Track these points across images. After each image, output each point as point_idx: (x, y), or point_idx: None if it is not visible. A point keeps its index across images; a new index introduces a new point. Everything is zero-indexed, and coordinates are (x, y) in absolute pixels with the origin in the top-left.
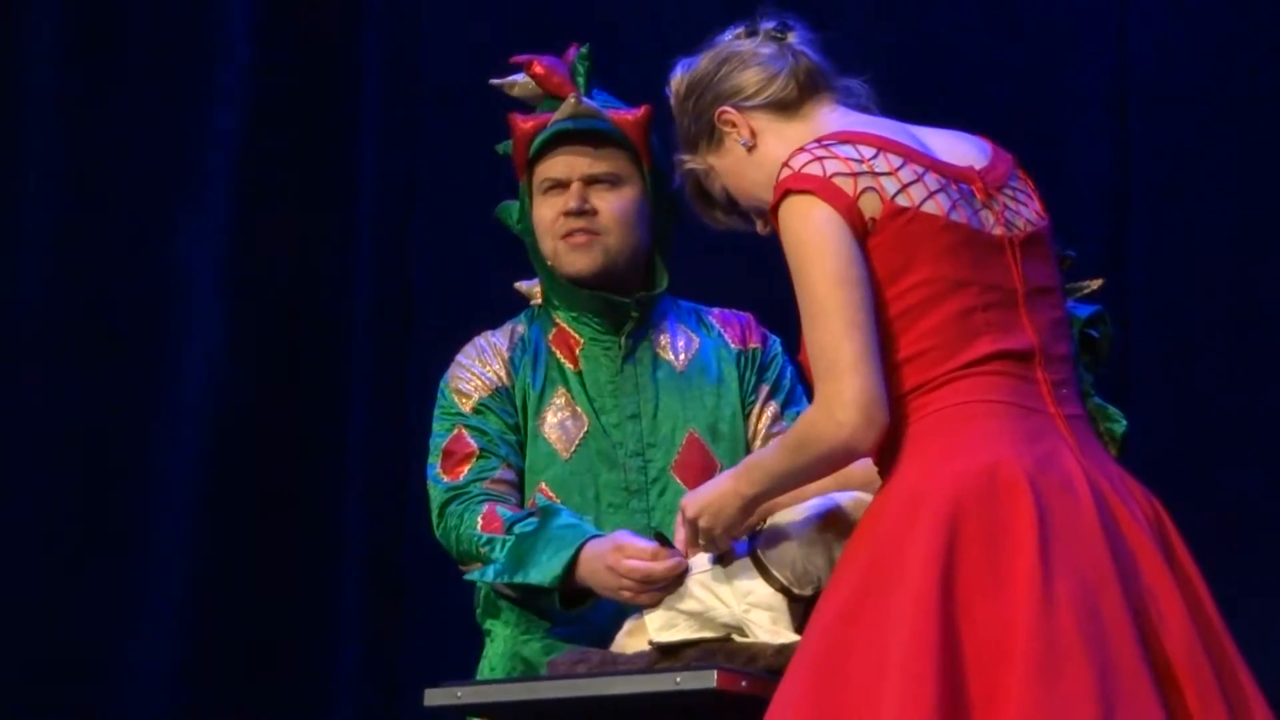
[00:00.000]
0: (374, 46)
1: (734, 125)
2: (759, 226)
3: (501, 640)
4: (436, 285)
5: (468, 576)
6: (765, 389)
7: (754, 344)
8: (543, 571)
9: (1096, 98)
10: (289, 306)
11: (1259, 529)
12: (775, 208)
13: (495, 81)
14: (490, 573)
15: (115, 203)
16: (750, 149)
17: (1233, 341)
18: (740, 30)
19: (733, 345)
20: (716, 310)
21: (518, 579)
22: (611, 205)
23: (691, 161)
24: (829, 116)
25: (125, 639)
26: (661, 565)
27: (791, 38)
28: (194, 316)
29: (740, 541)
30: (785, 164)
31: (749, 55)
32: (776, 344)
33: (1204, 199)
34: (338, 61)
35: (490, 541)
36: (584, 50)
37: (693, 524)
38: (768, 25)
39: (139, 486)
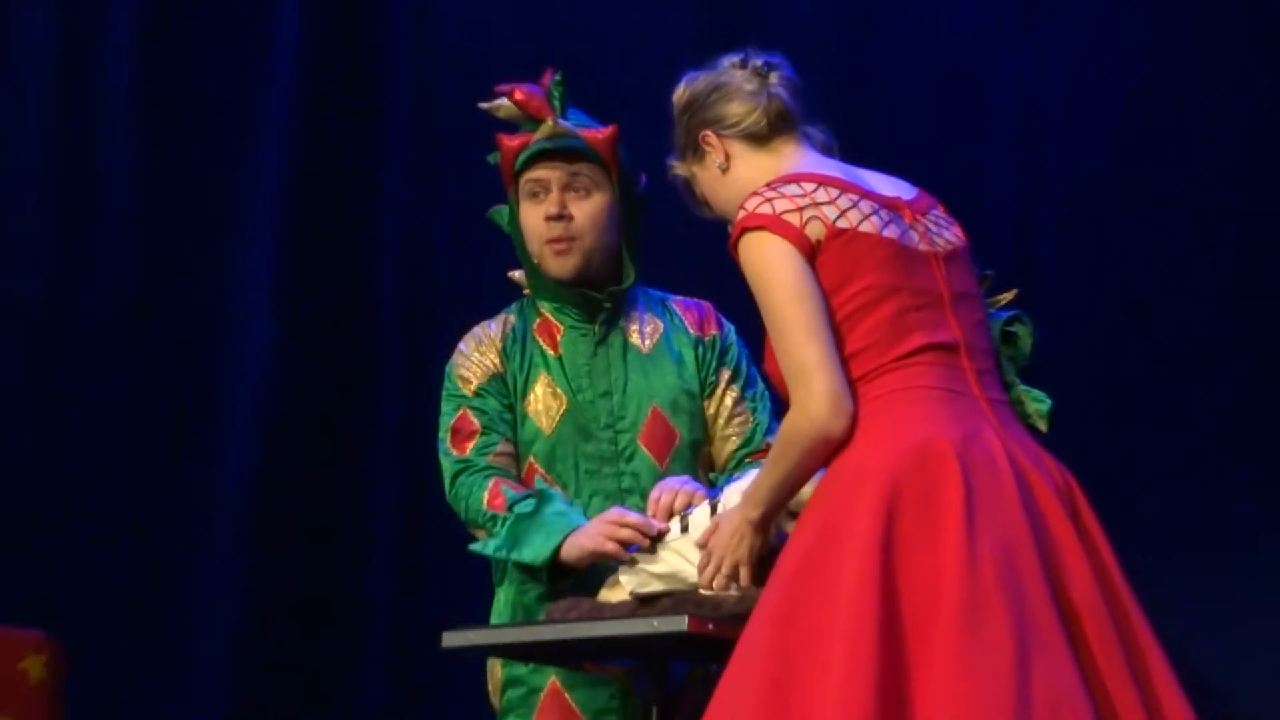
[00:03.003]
0: (404, 74)
1: (712, 147)
2: (730, 229)
3: (506, 592)
4: (457, 289)
5: (472, 548)
6: (726, 373)
7: (713, 331)
8: (535, 552)
9: (1009, 127)
10: (331, 312)
11: (1153, 491)
12: (736, 244)
13: (483, 105)
14: (491, 547)
15: (176, 218)
16: (724, 170)
17: (1125, 337)
18: (737, 60)
19: (692, 331)
20: (678, 299)
21: (513, 556)
22: (585, 211)
23: (679, 168)
24: (791, 156)
25: (186, 616)
26: (656, 525)
27: (774, 78)
28: (247, 322)
29: (703, 510)
30: (741, 206)
31: (735, 89)
32: (732, 331)
33: (1107, 215)
34: (371, 92)
35: (494, 518)
36: (558, 77)
37: (726, 563)
38: (756, 62)
39: (196, 472)
